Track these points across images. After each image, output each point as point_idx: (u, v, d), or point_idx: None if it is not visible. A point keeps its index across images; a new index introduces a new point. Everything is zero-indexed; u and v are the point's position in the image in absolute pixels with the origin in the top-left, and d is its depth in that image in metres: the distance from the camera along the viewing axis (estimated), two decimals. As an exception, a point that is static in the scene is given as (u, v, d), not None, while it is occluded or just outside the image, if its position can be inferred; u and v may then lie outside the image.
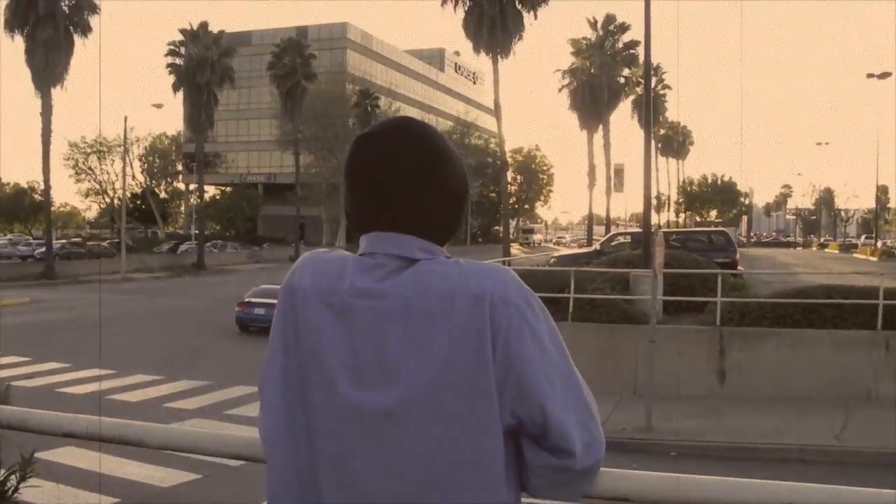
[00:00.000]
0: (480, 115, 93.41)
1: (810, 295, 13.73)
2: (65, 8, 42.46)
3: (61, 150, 68.52)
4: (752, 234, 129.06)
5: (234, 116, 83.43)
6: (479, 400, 1.36)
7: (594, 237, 60.03)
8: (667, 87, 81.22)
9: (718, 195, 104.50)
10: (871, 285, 13.80)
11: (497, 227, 78.12)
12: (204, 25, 54.27)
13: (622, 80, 67.34)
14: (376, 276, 1.44)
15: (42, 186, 46.94)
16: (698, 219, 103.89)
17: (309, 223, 75.41)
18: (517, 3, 42.20)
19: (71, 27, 42.88)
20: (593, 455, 1.44)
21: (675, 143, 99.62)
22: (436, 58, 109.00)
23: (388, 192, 1.48)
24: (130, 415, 11.97)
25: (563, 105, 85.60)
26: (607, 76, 64.53)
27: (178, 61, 53.63)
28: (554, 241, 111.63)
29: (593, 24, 67.03)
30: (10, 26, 42.18)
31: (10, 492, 1.83)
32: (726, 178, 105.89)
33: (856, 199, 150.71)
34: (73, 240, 62.15)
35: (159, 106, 50.75)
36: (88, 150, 71.40)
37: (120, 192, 68.46)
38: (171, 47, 53.99)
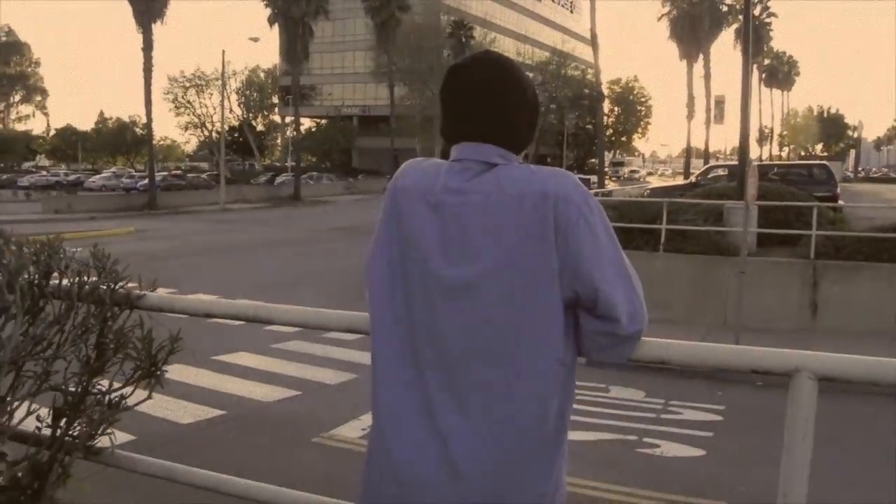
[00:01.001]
0: (577, 46, 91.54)
1: (911, 230, 13.42)
2: (165, -57, 43.29)
3: (161, 84, 70.42)
4: (859, 169, 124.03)
5: (328, 49, 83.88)
6: (543, 279, 1.69)
7: (692, 170, 58.85)
8: (772, 14, 78.02)
9: (824, 128, 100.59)
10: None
11: (593, 160, 77.25)
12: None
13: (724, 8, 64.97)
14: (463, 177, 1.78)
15: (143, 120, 48.57)
16: (802, 153, 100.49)
17: (403, 155, 75.78)
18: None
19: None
20: (636, 324, 1.77)
21: (779, 73, 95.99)
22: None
23: (474, 111, 1.81)
24: (235, 336, 12.67)
25: (662, 35, 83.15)
26: (709, 3, 62.41)
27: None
28: (645, 173, 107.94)
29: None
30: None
31: (160, 363, 2.20)
32: (833, 111, 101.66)
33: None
34: (174, 172, 64.26)
35: (256, 40, 51.68)
36: (187, 84, 73.16)
37: (218, 125, 70.32)
38: (267, -20, 54.57)
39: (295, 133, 61.07)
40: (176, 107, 75.14)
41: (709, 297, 13.67)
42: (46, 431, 2.42)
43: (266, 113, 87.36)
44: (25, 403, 2.30)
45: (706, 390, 10.16)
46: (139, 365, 2.24)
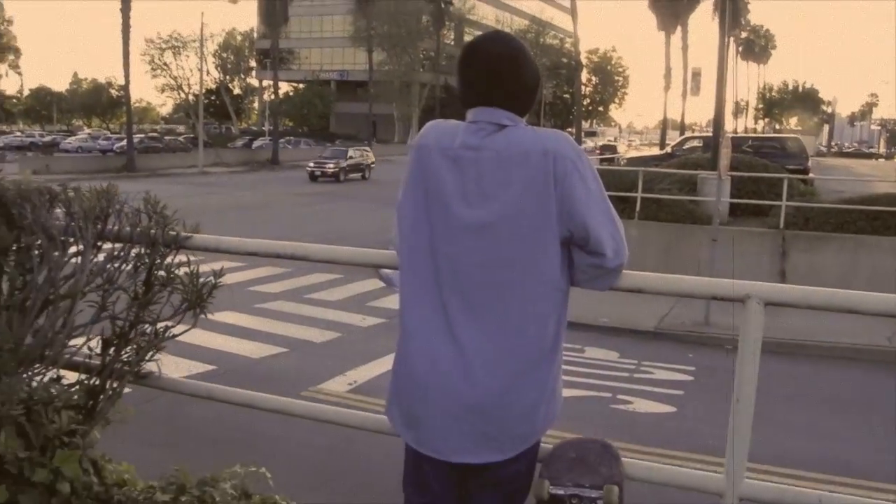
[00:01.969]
0: (556, 15, 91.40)
1: (875, 202, 13.90)
2: None
3: (138, 46, 69.62)
4: (832, 143, 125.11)
5: (307, 12, 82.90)
6: (544, 220, 2.06)
7: (667, 142, 59.28)
8: (750, -14, 78.24)
9: (798, 102, 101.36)
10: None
11: (570, 130, 77.47)
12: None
13: (704, -20, 65.15)
14: (478, 136, 2.13)
15: (119, 82, 48.09)
16: (777, 126, 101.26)
17: (381, 120, 75.84)
18: None
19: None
20: (619, 258, 2.15)
21: (756, 47, 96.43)
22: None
23: (487, 82, 2.17)
24: (220, 295, 12.90)
25: (641, 5, 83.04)
26: (689, -25, 62.59)
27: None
28: (624, 145, 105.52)
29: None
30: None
31: (205, 296, 2.53)
32: (808, 86, 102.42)
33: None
34: (151, 134, 63.74)
35: (235, 1, 51.05)
36: (164, 46, 72.41)
37: (195, 87, 69.68)
38: (248, -59, 53.96)
39: (273, 97, 60.70)
40: (152, 69, 74.36)
41: (682, 263, 14.05)
42: (96, 361, 2.74)
43: (243, 76, 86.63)
44: (77, 341, 2.61)
45: (678, 353, 10.61)
46: (185, 298, 2.56)
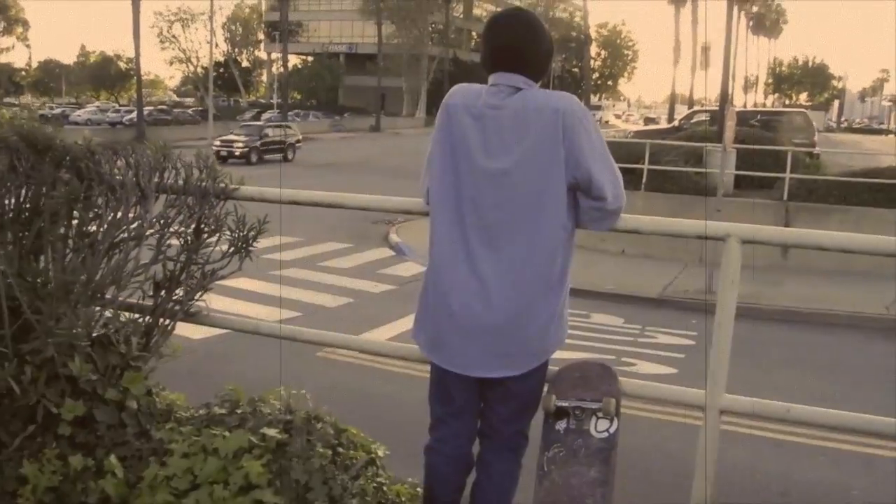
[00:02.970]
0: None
1: (878, 175, 14.11)
2: None
3: (146, 19, 69.68)
4: (842, 119, 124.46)
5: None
6: (554, 168, 2.40)
7: (675, 116, 59.24)
8: (762, -40, 77.66)
9: (808, 77, 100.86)
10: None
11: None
12: None
13: (715, -47, 64.73)
14: (499, 97, 2.49)
15: (127, 55, 48.19)
16: (787, 102, 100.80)
17: (389, 93, 75.78)
18: None
19: None
20: (618, 201, 2.50)
21: (767, 21, 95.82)
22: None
23: (508, 51, 2.51)
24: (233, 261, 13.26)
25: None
26: (699, -52, 62.24)
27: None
28: (623, 117, 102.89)
29: None
30: None
31: (251, 241, 2.84)
32: (818, 61, 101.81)
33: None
34: (160, 107, 63.94)
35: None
36: (173, 19, 72.50)
37: (203, 60, 69.79)
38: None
39: (283, 69, 60.80)
40: (161, 41, 74.54)
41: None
42: (148, 303, 3.06)
43: (251, 49, 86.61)
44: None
45: (681, 319, 10.90)
46: (232, 243, 2.87)
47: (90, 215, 2.75)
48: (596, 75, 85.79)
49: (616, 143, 20.19)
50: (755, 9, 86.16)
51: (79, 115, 60.16)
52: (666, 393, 2.54)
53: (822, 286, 12.39)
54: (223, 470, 2.19)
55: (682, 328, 10.30)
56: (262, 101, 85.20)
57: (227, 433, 2.29)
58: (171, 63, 77.73)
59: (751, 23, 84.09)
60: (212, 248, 2.95)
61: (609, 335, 9.86)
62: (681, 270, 13.05)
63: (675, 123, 29.42)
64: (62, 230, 2.77)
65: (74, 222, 2.79)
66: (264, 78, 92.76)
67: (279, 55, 59.28)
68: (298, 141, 37.72)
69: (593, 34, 76.40)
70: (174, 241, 2.96)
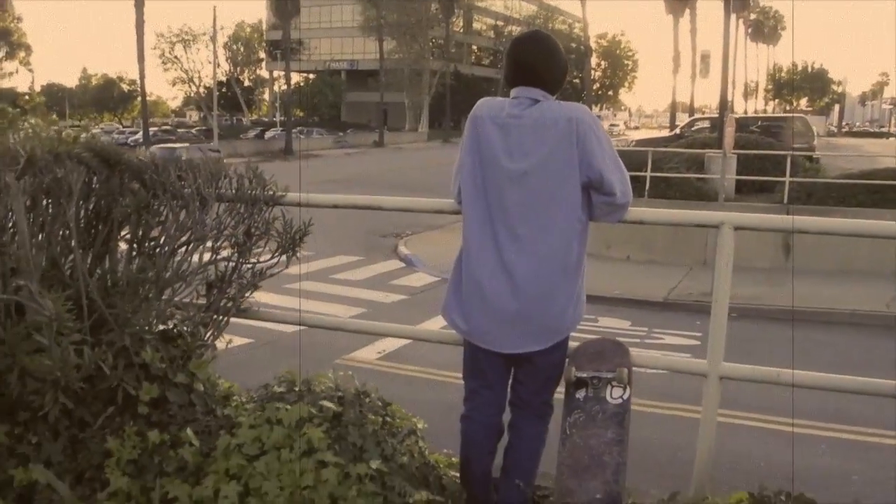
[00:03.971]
0: (564, 0, 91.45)
1: (876, 177, 14.44)
2: None
3: (148, 41, 70.25)
4: (843, 123, 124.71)
5: (316, 3, 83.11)
6: (569, 169, 2.76)
7: (677, 124, 59.57)
8: (759, -32, 78.17)
9: (808, 83, 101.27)
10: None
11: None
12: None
13: (711, -38, 65.21)
14: (520, 108, 2.87)
15: (130, 76, 48.62)
16: (787, 107, 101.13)
17: (392, 108, 76.25)
18: None
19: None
20: (626, 197, 2.89)
21: (765, 28, 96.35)
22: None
23: (528, 69, 2.89)
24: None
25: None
26: (696, -42, 62.74)
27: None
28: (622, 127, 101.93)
29: None
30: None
31: (297, 242, 3.19)
32: (818, 66, 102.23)
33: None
34: (164, 127, 64.46)
35: (247, -7, 51.57)
36: (174, 40, 73.08)
37: (206, 80, 70.35)
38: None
39: (287, 87, 61.33)
40: (163, 62, 74.97)
41: (690, 240, 14.65)
42: (201, 301, 3.39)
43: (253, 68, 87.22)
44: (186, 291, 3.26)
45: (686, 321, 11.20)
46: (280, 243, 3.22)
47: (155, 221, 3.08)
48: (597, 86, 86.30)
49: (620, 151, 20.54)
50: (753, 16, 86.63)
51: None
52: (671, 363, 2.88)
53: (824, 286, 12.68)
54: (288, 437, 2.52)
55: (688, 329, 10.60)
56: (265, 118, 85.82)
57: (288, 406, 2.62)
58: (174, 84, 78.17)
59: (749, 30, 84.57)
60: (261, 249, 3.29)
61: (617, 337, 10.17)
62: (685, 274, 13.37)
63: (677, 131, 29.81)
64: (129, 235, 3.12)
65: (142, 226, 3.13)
66: (266, 96, 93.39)
67: (281, 73, 59.81)
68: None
69: (593, 45, 76.92)
70: (226, 244, 3.29)
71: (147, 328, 2.89)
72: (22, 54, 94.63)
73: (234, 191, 3.20)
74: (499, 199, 2.81)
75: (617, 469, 2.64)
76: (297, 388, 2.76)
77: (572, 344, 2.92)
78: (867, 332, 10.92)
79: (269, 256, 3.32)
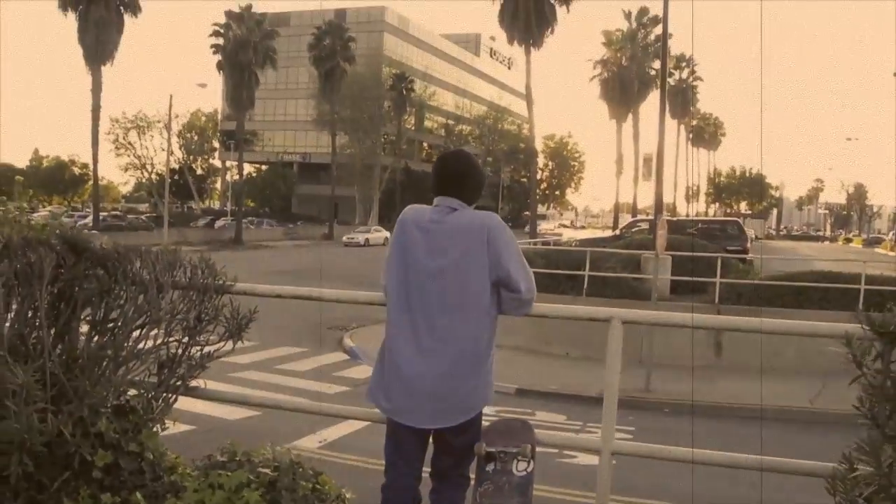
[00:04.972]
0: (514, 101, 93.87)
1: (801, 279, 15.21)
2: (117, -12, 44.37)
3: (102, 125, 70.46)
4: (781, 227, 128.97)
5: (271, 96, 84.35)
6: (480, 268, 3.19)
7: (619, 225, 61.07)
8: (698, 78, 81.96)
9: (747, 187, 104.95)
10: (857, 272, 15.24)
11: (526, 213, 79.34)
12: (248, 7, 56.05)
13: (653, 72, 68.15)
14: (440, 215, 3.33)
15: (82, 160, 48.68)
16: (728, 210, 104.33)
17: (342, 202, 76.97)
18: (551, -3, 43.68)
19: (121, 6, 44.90)
20: (530, 293, 3.29)
21: (706, 133, 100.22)
22: (471, 42, 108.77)
23: (449, 182, 3.42)
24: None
25: (593, 94, 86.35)
26: (638, 68, 65.58)
27: (222, 42, 55.44)
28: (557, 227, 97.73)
29: (627, 16, 68.18)
30: (64, 5, 44.19)
31: (244, 326, 3.54)
32: (755, 171, 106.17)
33: (885, 194, 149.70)
34: (113, 212, 64.23)
35: (203, 86, 52.79)
36: (129, 126, 73.41)
37: (158, 167, 70.58)
38: (216, 28, 55.84)
39: (239, 177, 61.82)
40: (116, 147, 74.99)
41: (625, 338, 15.12)
42: (152, 380, 3.70)
43: (206, 157, 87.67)
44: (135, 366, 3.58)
45: (619, 415, 11.49)
46: (226, 328, 3.57)
47: (115, 304, 3.41)
48: (544, 185, 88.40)
49: (560, 251, 21.25)
50: (693, 122, 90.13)
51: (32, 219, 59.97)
52: (567, 441, 3.24)
53: (752, 383, 13.20)
54: (228, 500, 2.83)
55: (621, 423, 10.85)
56: (216, 207, 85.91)
57: (229, 473, 2.93)
58: (126, 169, 78.17)
59: (690, 135, 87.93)
60: (209, 334, 3.62)
61: (552, 431, 10.45)
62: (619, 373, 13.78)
63: (618, 232, 30.83)
64: (90, 316, 3.44)
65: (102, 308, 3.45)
66: (218, 185, 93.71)
67: (234, 163, 60.38)
68: None
69: (541, 146, 79.10)
70: (178, 327, 3.63)
71: (104, 401, 3.19)
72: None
73: (187, 279, 3.55)
74: (419, 293, 3.22)
75: (522, 534, 2.98)
76: (237, 458, 3.06)
77: (485, 422, 3.29)
78: (791, 427, 11.39)
79: (217, 340, 3.65)
